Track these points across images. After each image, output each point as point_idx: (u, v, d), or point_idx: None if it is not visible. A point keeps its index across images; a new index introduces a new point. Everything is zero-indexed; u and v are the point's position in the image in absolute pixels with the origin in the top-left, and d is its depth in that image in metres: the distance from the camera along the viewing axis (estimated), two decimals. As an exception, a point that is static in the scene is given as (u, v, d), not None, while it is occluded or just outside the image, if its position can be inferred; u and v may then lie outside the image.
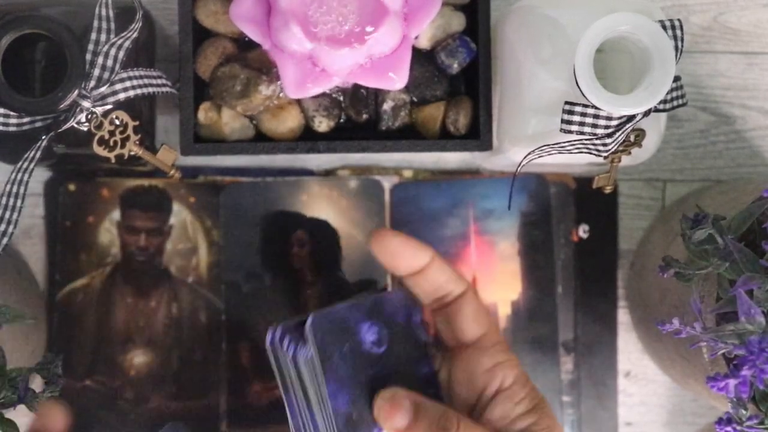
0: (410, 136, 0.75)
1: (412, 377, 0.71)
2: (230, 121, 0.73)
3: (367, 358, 0.69)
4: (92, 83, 0.66)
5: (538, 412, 0.69)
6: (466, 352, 0.72)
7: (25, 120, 0.66)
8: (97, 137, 0.67)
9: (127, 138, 0.68)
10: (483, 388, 0.70)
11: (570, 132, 0.65)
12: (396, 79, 0.70)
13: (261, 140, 0.74)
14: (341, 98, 0.74)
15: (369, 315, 0.70)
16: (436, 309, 0.73)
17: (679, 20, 0.65)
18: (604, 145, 0.66)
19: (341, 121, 0.74)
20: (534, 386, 0.71)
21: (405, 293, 0.73)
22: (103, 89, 0.66)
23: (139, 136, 0.69)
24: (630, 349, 0.83)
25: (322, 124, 0.73)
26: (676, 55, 0.64)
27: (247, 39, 0.72)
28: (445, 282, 0.71)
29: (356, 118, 0.74)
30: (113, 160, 0.68)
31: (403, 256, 0.71)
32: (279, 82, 0.72)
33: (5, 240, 0.67)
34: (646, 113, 0.65)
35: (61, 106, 0.64)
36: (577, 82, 0.63)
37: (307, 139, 0.74)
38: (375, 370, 0.70)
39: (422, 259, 0.71)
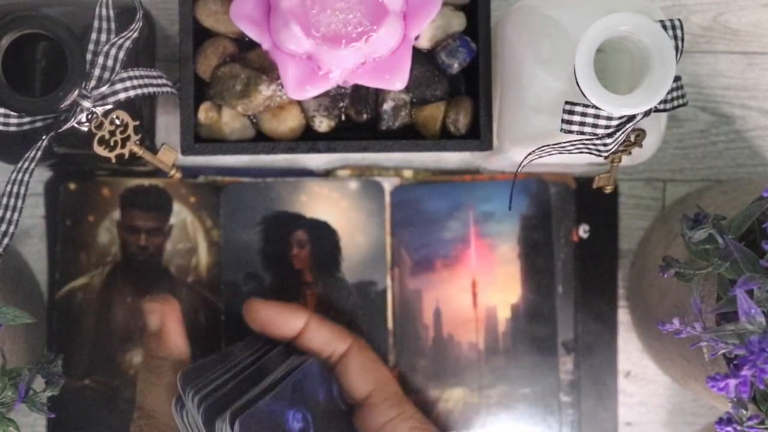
0: (410, 136, 0.75)
1: None
2: (230, 121, 0.73)
3: None
4: (93, 83, 0.66)
5: None
6: (361, 410, 0.73)
7: (26, 120, 0.66)
8: (97, 137, 0.67)
9: (128, 138, 0.68)
10: None
11: (570, 132, 0.65)
12: (396, 79, 0.70)
13: (261, 140, 0.74)
14: (341, 98, 0.74)
15: (291, 402, 0.69)
16: (328, 369, 0.74)
17: (679, 20, 0.65)
18: (605, 145, 0.66)
19: (341, 121, 0.74)
20: (435, 431, 0.72)
21: (318, 362, 0.73)
22: (104, 89, 0.66)
23: (140, 136, 0.69)
24: (630, 349, 0.83)
25: (323, 124, 0.73)
26: (677, 55, 0.64)
27: (247, 39, 0.72)
28: (326, 343, 0.73)
29: (356, 118, 0.74)
30: (113, 160, 0.68)
31: (276, 324, 0.73)
32: (279, 82, 0.72)
33: (6, 240, 0.67)
34: (647, 113, 0.65)
35: (62, 106, 0.65)
36: (577, 82, 0.63)
37: (307, 139, 0.74)
38: None
39: (296, 324, 0.73)
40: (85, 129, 0.67)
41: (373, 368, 0.73)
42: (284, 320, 0.73)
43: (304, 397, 0.70)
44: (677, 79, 0.66)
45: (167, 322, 0.73)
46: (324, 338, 0.73)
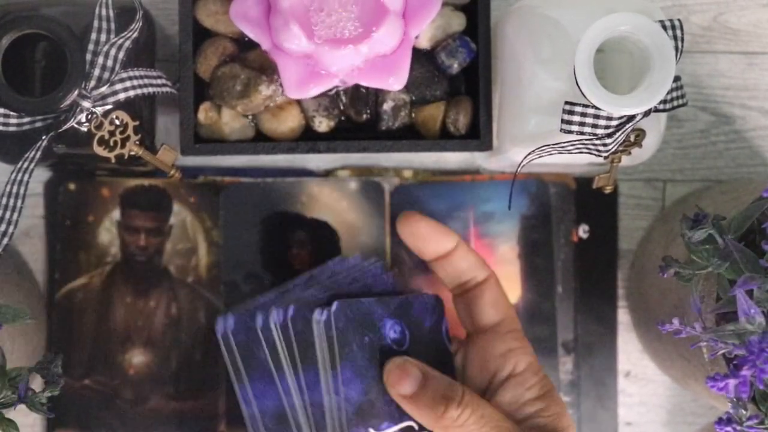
0: (410, 136, 0.75)
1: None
2: (230, 121, 0.73)
3: (386, 353, 0.71)
4: (92, 83, 0.66)
5: (547, 399, 0.71)
6: (482, 336, 0.74)
7: (25, 120, 0.66)
8: (97, 137, 0.67)
9: (128, 138, 0.68)
10: (495, 372, 0.72)
11: (570, 132, 0.65)
12: (396, 80, 0.70)
13: (261, 140, 0.74)
14: (341, 98, 0.74)
15: (394, 313, 0.72)
16: (459, 294, 0.75)
17: (679, 20, 0.65)
18: (605, 145, 0.66)
19: (341, 121, 0.74)
20: (545, 375, 0.72)
21: (436, 299, 0.74)
22: (104, 89, 0.66)
23: (140, 136, 0.69)
24: (630, 349, 0.83)
25: (322, 124, 0.73)
26: (676, 55, 0.64)
27: (247, 39, 0.72)
28: (468, 268, 0.74)
29: (356, 118, 0.74)
30: (113, 160, 0.68)
31: (430, 241, 0.74)
32: (279, 82, 0.72)
33: (6, 240, 0.67)
34: (646, 113, 0.65)
35: (62, 106, 0.65)
36: (577, 82, 0.63)
37: (307, 139, 0.74)
38: None
39: (448, 244, 0.73)
40: (85, 129, 0.67)
41: (505, 302, 0.74)
42: (439, 238, 0.73)
43: (408, 316, 0.72)
44: (677, 79, 0.66)
45: None
46: (469, 263, 0.74)
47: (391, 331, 0.71)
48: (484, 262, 0.75)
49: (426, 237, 0.74)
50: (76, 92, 0.64)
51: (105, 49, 0.66)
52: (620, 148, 0.67)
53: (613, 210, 0.83)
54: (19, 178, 0.67)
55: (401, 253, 0.81)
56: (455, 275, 0.74)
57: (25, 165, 0.67)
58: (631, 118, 0.65)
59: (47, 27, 0.64)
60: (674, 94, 0.67)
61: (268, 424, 0.73)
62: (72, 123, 0.66)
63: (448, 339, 0.75)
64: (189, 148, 0.72)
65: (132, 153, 0.68)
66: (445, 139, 0.74)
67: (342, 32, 0.67)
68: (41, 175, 0.81)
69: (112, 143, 0.68)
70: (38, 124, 0.67)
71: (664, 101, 0.66)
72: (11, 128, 0.66)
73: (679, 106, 0.67)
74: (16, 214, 0.67)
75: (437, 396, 0.68)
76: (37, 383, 0.67)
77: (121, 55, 0.66)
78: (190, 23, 0.72)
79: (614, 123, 0.65)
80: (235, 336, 0.73)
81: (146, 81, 0.69)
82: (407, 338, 0.72)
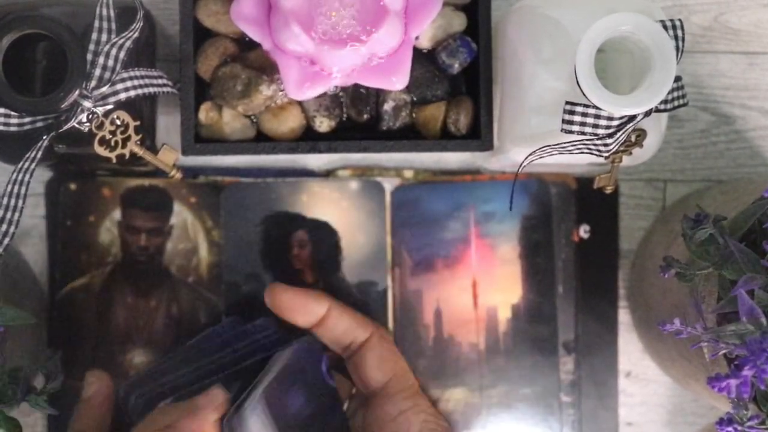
0: (411, 136, 0.75)
1: (325, 426, 0.72)
2: (231, 121, 0.73)
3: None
4: (93, 83, 0.66)
5: None
6: (374, 399, 0.73)
7: (26, 120, 0.66)
8: (98, 137, 0.67)
9: (128, 138, 0.68)
10: None
11: (571, 132, 0.65)
12: (397, 80, 0.70)
13: (262, 140, 0.74)
14: (342, 98, 0.74)
15: (291, 381, 0.70)
16: (347, 357, 0.74)
17: (679, 20, 0.65)
18: (605, 145, 0.66)
19: (342, 121, 0.74)
20: (447, 427, 0.72)
21: (310, 341, 0.73)
22: (104, 89, 0.66)
23: (140, 136, 0.69)
24: (631, 350, 0.83)
25: (323, 124, 0.73)
26: (677, 55, 0.64)
27: (247, 39, 0.72)
28: (345, 331, 0.73)
29: (357, 118, 0.74)
30: (114, 160, 0.68)
31: (297, 310, 0.73)
32: (280, 82, 0.72)
33: (6, 240, 0.67)
34: (647, 113, 0.65)
35: (62, 106, 0.64)
36: (578, 82, 0.63)
37: (307, 139, 0.74)
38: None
39: (318, 311, 0.73)
40: (86, 129, 0.67)
41: (392, 359, 0.73)
42: (306, 306, 0.73)
43: (292, 380, 0.71)
44: (678, 79, 0.66)
45: (96, 395, 0.74)
46: (345, 326, 0.73)
47: (295, 399, 0.70)
48: (362, 321, 0.74)
49: (292, 307, 0.73)
50: (77, 92, 0.64)
51: (106, 49, 0.66)
52: (621, 148, 0.67)
53: (613, 210, 0.83)
54: (19, 178, 0.67)
55: (402, 253, 0.81)
56: (334, 340, 0.74)
57: (25, 165, 0.67)
58: (631, 118, 0.65)
59: (48, 27, 0.64)
60: (675, 94, 0.67)
61: None
62: (73, 123, 0.66)
63: (330, 375, 0.73)
64: (190, 148, 0.72)
65: (133, 153, 0.69)
66: (445, 139, 0.74)
67: (343, 32, 0.67)
68: (42, 175, 0.81)
69: (113, 143, 0.68)
70: (39, 124, 0.67)
71: (665, 101, 0.66)
72: (12, 128, 0.66)
73: (679, 106, 0.67)
74: (17, 214, 0.67)
75: None
76: (38, 382, 0.67)
77: (121, 55, 0.66)
78: (191, 23, 0.72)
79: (615, 123, 0.65)
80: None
81: (147, 81, 0.69)
82: (306, 398, 0.71)
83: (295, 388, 0.70)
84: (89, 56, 0.66)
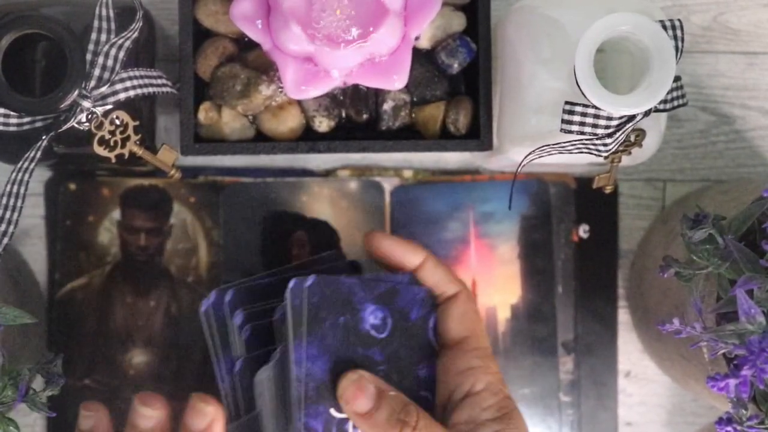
0: (410, 136, 0.75)
1: (407, 374, 0.72)
2: (230, 121, 0.73)
3: (362, 338, 0.71)
4: (92, 83, 0.66)
5: (505, 421, 0.70)
6: (446, 352, 0.73)
7: (26, 120, 0.66)
8: (97, 137, 0.67)
9: (128, 138, 0.68)
10: (454, 389, 0.71)
11: (570, 132, 0.65)
12: (396, 80, 0.70)
13: (261, 140, 0.74)
14: (341, 98, 0.74)
15: (378, 300, 0.71)
16: (435, 304, 0.74)
17: (679, 20, 0.65)
18: (605, 145, 0.66)
19: (341, 121, 0.74)
20: (508, 396, 0.71)
21: (427, 292, 0.74)
22: (104, 89, 0.66)
23: (140, 136, 0.69)
24: (630, 349, 0.83)
25: (323, 124, 0.73)
26: (677, 55, 0.64)
27: (247, 39, 0.72)
28: (437, 283, 0.74)
29: (356, 118, 0.74)
30: (113, 160, 0.68)
31: (396, 257, 0.74)
32: (279, 82, 0.72)
33: (5, 240, 0.67)
34: (647, 113, 0.65)
35: (62, 106, 0.64)
36: (577, 82, 0.63)
37: (307, 139, 0.74)
38: (369, 353, 0.70)
39: (415, 259, 0.74)
40: (85, 129, 0.67)
41: (474, 319, 0.74)
42: (405, 254, 0.74)
43: (393, 304, 0.72)
44: (677, 79, 0.66)
45: (97, 429, 0.73)
46: (438, 278, 0.74)
47: (372, 316, 0.71)
48: (454, 276, 0.74)
49: (391, 253, 0.74)
50: (76, 92, 0.64)
51: (105, 49, 0.66)
52: (620, 148, 0.67)
53: (613, 210, 0.83)
54: (19, 177, 0.67)
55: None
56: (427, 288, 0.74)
57: (25, 165, 0.67)
58: (631, 118, 0.65)
59: (47, 27, 0.64)
60: (674, 94, 0.67)
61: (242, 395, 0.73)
62: (72, 123, 0.66)
63: (435, 336, 0.74)
64: (189, 148, 0.72)
65: (132, 153, 0.68)
66: (445, 139, 0.74)
67: (342, 32, 0.67)
68: (41, 174, 0.81)
69: (112, 143, 0.68)
70: (38, 124, 0.67)
71: (665, 101, 0.66)
72: (11, 128, 0.66)
73: (679, 106, 0.67)
74: (16, 214, 0.67)
75: (392, 418, 0.67)
76: (37, 383, 0.67)
77: (121, 55, 0.66)
78: (190, 23, 0.72)
79: (614, 123, 0.65)
80: (215, 310, 0.73)
81: (146, 81, 0.69)
82: (389, 326, 0.72)
83: (380, 309, 0.72)
84: (89, 56, 0.66)
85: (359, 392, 0.68)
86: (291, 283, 0.69)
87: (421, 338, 0.73)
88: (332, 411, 0.69)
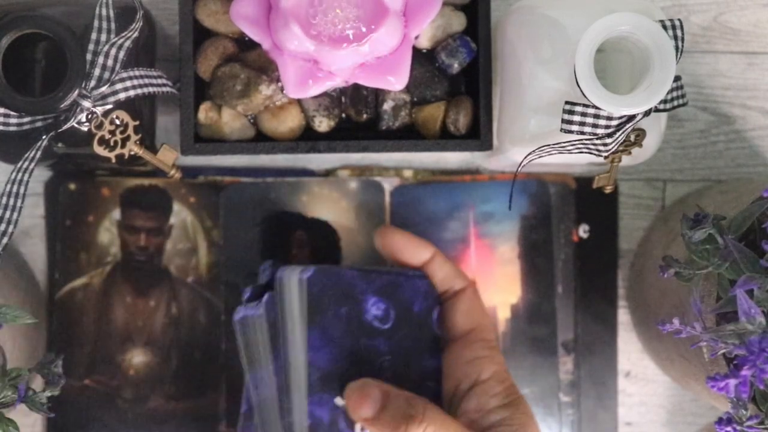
0: (410, 135, 0.75)
1: (413, 365, 0.73)
2: (230, 121, 0.73)
3: (366, 328, 0.72)
4: (93, 83, 0.66)
5: (512, 408, 0.72)
6: (453, 344, 0.75)
7: (26, 120, 0.66)
8: (97, 137, 0.67)
9: (128, 138, 0.68)
10: (461, 379, 0.73)
11: (570, 132, 0.65)
12: (396, 79, 0.70)
13: (261, 140, 0.74)
14: (341, 98, 0.74)
15: (380, 291, 0.73)
16: (436, 296, 0.76)
17: (679, 20, 0.65)
18: (605, 145, 0.66)
19: (341, 121, 0.74)
20: (513, 384, 0.73)
21: (429, 284, 0.75)
22: (104, 89, 0.66)
23: (140, 135, 0.69)
24: (630, 349, 0.83)
25: (323, 124, 0.73)
26: (677, 55, 0.64)
27: (247, 39, 0.72)
28: (445, 278, 0.75)
29: (356, 118, 0.74)
30: (113, 160, 0.68)
31: (405, 252, 0.76)
32: (279, 82, 0.72)
33: (5, 240, 0.67)
34: (647, 113, 0.65)
35: (62, 105, 0.65)
36: (577, 82, 0.63)
37: (307, 139, 0.74)
38: (373, 343, 0.71)
39: (423, 255, 0.75)
40: (85, 129, 0.67)
41: (480, 312, 0.76)
42: (414, 249, 0.75)
43: (396, 296, 0.73)
44: (677, 79, 0.66)
45: None
46: (445, 273, 0.75)
47: (374, 307, 0.72)
48: (461, 273, 0.76)
49: (401, 249, 0.76)
50: (76, 92, 0.64)
51: (105, 48, 0.66)
52: (620, 148, 0.67)
53: (613, 210, 0.83)
54: (19, 177, 0.67)
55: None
56: (435, 284, 0.76)
57: (25, 165, 0.67)
58: (631, 117, 0.65)
59: (47, 27, 0.64)
60: (674, 93, 0.67)
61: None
62: (72, 123, 0.66)
63: (439, 327, 0.75)
64: (189, 147, 0.72)
65: (132, 153, 0.68)
66: (445, 139, 0.74)
67: (342, 32, 0.67)
68: (41, 174, 0.81)
69: (112, 143, 0.68)
70: (38, 124, 0.67)
71: (665, 101, 0.66)
72: (11, 128, 0.66)
73: (679, 105, 0.67)
74: (16, 214, 0.67)
75: (398, 415, 0.69)
76: (37, 383, 0.67)
77: (121, 54, 0.66)
78: (191, 23, 0.72)
79: (614, 123, 0.65)
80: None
81: (146, 81, 0.69)
82: (392, 318, 0.73)
83: (383, 301, 0.73)
84: (89, 56, 0.66)
85: (364, 398, 0.69)
86: (292, 274, 0.70)
87: (425, 330, 0.74)
88: (337, 400, 0.70)
